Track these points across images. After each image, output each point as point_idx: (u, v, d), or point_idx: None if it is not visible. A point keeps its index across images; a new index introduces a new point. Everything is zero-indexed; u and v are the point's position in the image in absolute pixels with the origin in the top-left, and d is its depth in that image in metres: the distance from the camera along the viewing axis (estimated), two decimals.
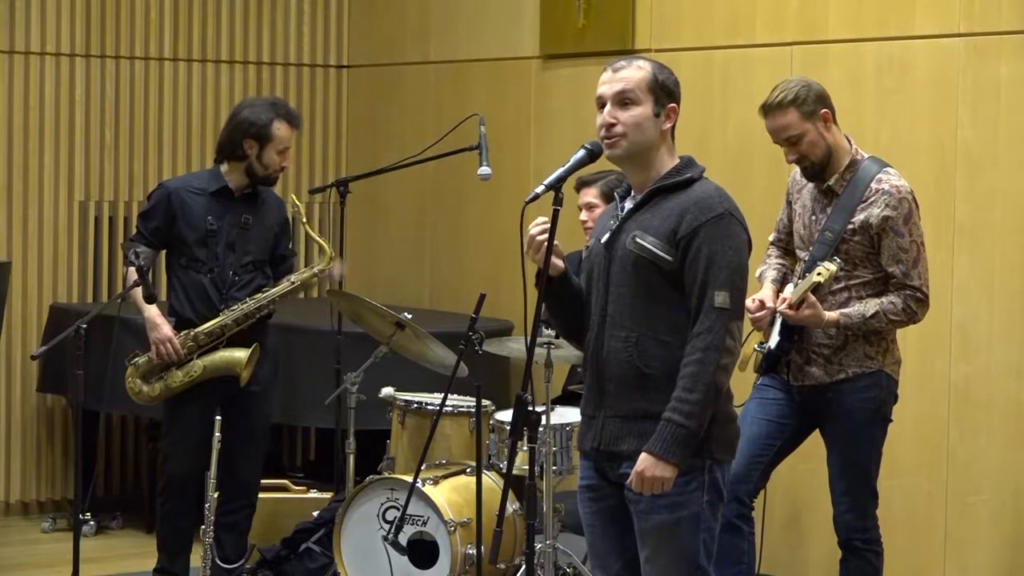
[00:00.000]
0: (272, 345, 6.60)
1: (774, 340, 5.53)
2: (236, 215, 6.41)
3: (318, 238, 6.61)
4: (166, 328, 6.29)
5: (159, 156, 8.66)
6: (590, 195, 6.18)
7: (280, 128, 6.35)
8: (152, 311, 6.28)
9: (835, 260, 5.33)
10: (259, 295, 6.40)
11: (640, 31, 7.43)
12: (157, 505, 6.60)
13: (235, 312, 6.35)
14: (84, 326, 5.79)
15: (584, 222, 6.22)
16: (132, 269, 6.09)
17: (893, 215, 5.36)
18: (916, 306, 5.39)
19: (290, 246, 6.69)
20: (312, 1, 9.04)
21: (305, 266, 6.92)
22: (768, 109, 5.44)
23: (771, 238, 5.77)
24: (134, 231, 6.57)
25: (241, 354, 6.34)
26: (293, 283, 6.46)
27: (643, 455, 4.18)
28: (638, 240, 4.25)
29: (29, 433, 8.42)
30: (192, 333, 6.33)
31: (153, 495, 8.23)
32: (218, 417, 6.11)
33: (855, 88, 6.46)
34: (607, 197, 6.16)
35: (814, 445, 5.66)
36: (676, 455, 4.16)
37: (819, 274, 5.29)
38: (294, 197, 6.69)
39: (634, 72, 4.29)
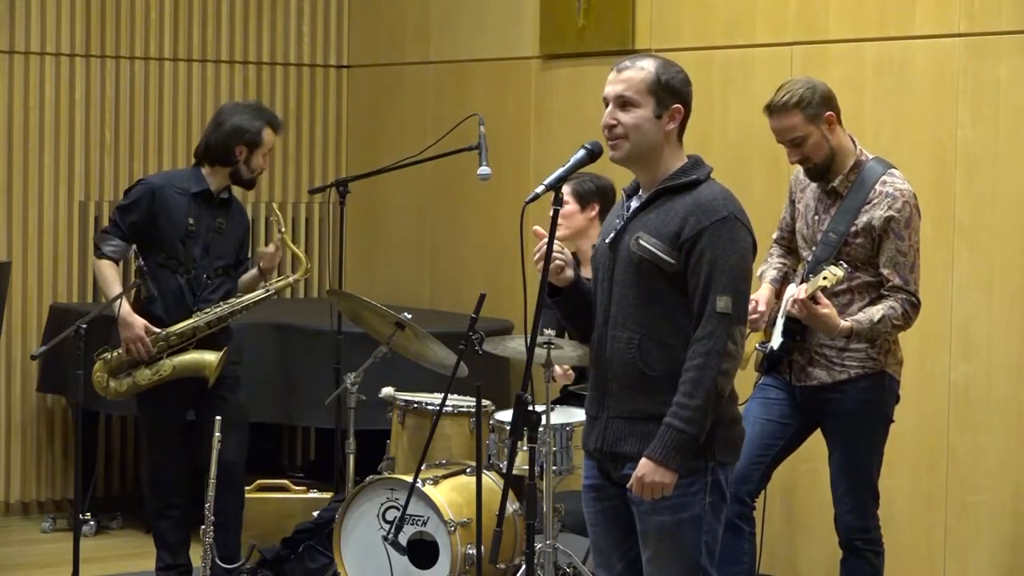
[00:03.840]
0: (234, 340, 6.62)
1: (777, 340, 5.53)
2: (212, 218, 6.51)
3: (294, 248, 6.75)
4: (138, 327, 6.34)
5: (159, 156, 8.65)
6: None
7: (268, 133, 6.52)
8: (124, 308, 6.34)
9: (842, 265, 5.32)
10: (234, 300, 6.51)
11: (640, 31, 7.43)
12: (147, 506, 6.63)
13: (209, 315, 6.43)
14: (84, 326, 5.81)
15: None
16: (119, 265, 6.20)
17: (896, 216, 5.35)
18: (912, 311, 5.38)
19: (248, 257, 6.77)
20: (312, 1, 9.04)
21: (279, 275, 6.96)
22: (773, 110, 5.43)
23: (774, 236, 5.77)
24: (108, 223, 6.59)
25: (211, 357, 6.42)
26: (268, 291, 6.58)
27: (643, 460, 4.18)
28: (641, 242, 4.24)
29: (29, 433, 8.42)
30: (164, 333, 6.38)
31: None
32: (219, 418, 6.14)
33: (855, 88, 6.46)
34: (578, 196, 6.23)
35: (814, 445, 5.66)
36: (676, 461, 4.16)
37: (825, 278, 5.27)
38: (275, 207, 6.79)
39: (635, 73, 4.28)
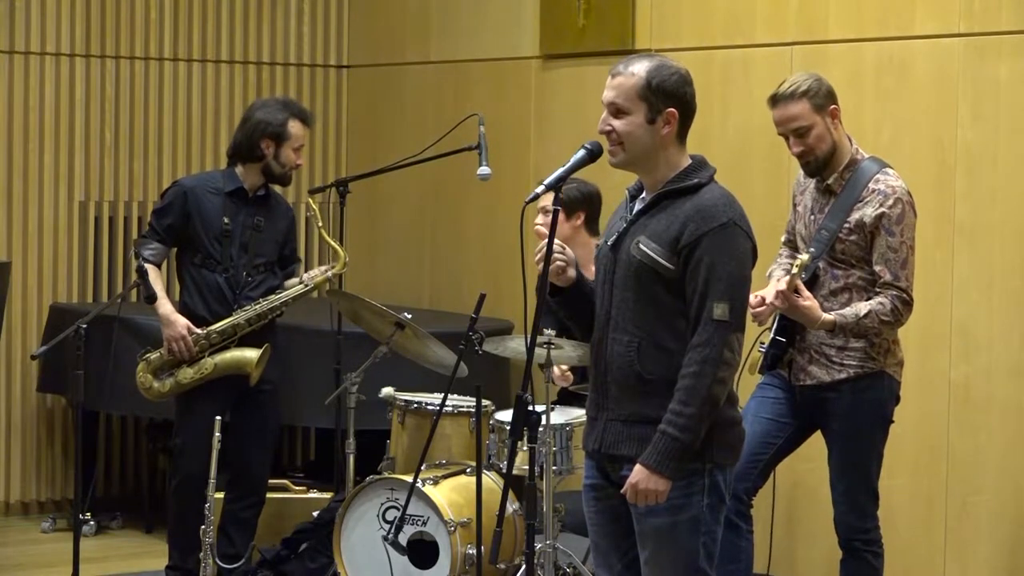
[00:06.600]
0: (281, 344, 6.70)
1: (769, 336, 5.53)
2: (249, 216, 6.55)
3: (332, 242, 6.73)
4: (180, 326, 6.39)
5: (159, 156, 8.66)
6: (547, 199, 6.16)
7: (295, 126, 6.55)
8: (167, 308, 6.43)
9: (809, 251, 5.33)
10: (272, 296, 6.55)
11: (640, 31, 7.43)
12: (170, 503, 6.66)
13: (248, 312, 6.49)
14: (84, 326, 5.81)
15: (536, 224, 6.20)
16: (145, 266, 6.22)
17: (887, 213, 5.35)
18: (903, 308, 5.36)
19: (295, 251, 6.78)
20: (312, 1, 9.04)
21: (318, 268, 6.97)
22: (779, 99, 5.42)
23: (783, 239, 5.78)
24: (146, 228, 6.67)
25: (252, 354, 6.47)
26: (307, 286, 6.60)
27: (637, 467, 4.18)
28: (641, 246, 4.23)
29: (29, 433, 8.42)
30: (205, 331, 6.44)
31: (153, 495, 8.27)
32: (218, 418, 6.16)
33: (855, 88, 6.46)
34: (563, 204, 6.14)
35: (814, 445, 5.66)
36: (670, 468, 4.15)
37: (796, 265, 5.28)
38: (311, 200, 6.78)
39: (626, 79, 4.24)
